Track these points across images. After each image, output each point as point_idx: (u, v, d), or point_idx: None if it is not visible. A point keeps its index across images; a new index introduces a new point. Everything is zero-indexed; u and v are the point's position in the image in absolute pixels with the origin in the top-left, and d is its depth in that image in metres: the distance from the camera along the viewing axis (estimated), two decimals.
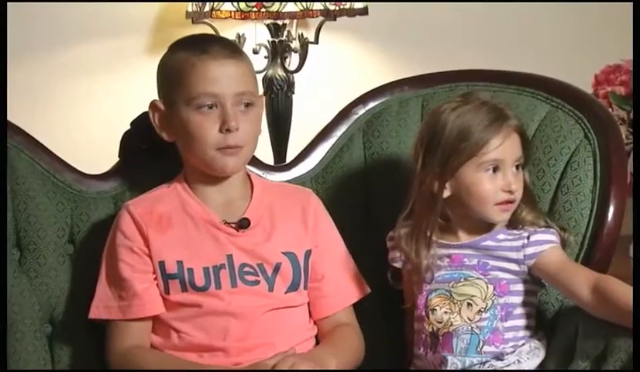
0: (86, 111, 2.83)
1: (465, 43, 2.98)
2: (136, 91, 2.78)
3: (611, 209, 2.16)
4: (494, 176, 2.00)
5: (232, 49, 2.07)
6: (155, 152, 2.28)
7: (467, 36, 3.00)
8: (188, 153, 2.05)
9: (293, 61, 2.83)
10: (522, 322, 2.04)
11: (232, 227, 2.05)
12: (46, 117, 2.75)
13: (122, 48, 2.82)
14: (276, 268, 2.05)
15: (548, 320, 2.15)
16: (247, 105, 2.03)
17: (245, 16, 2.63)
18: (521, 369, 2.00)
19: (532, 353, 2.03)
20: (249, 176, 2.13)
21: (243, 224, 2.06)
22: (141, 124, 2.29)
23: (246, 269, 2.04)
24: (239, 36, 2.77)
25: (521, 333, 2.04)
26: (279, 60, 2.80)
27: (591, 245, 2.16)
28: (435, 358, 2.02)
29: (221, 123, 2.00)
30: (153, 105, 2.09)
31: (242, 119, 2.01)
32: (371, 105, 2.34)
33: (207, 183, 2.07)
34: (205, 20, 2.70)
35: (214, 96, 2.00)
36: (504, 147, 2.00)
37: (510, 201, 2.01)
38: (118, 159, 2.33)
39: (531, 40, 3.04)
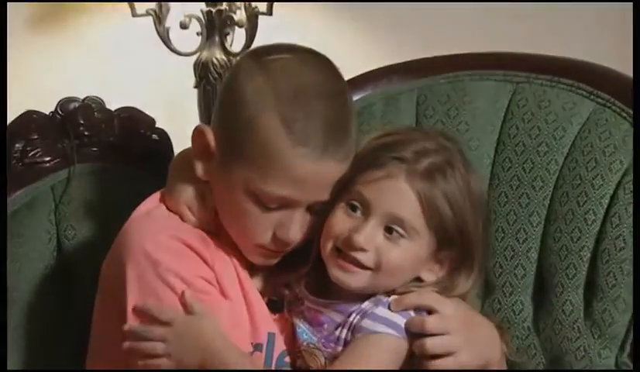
0: None
1: (471, 16, 2.79)
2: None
3: None
4: (351, 216, 1.78)
5: (337, 132, 1.79)
6: (29, 173, 2.10)
7: (474, 6, 2.79)
8: (225, 220, 1.86)
9: (237, 39, 2.56)
10: None
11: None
12: None
13: None
14: None
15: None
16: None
17: None
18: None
19: None
20: None
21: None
22: (14, 132, 2.10)
23: None
24: (160, 5, 2.51)
25: None
26: (217, 38, 2.54)
27: None
28: None
29: (278, 228, 1.84)
30: (200, 132, 1.85)
31: (303, 224, 1.86)
32: None
33: None
34: None
35: (288, 204, 1.82)
36: (373, 188, 1.76)
37: (351, 261, 1.78)
38: None
39: (561, 12, 2.80)
